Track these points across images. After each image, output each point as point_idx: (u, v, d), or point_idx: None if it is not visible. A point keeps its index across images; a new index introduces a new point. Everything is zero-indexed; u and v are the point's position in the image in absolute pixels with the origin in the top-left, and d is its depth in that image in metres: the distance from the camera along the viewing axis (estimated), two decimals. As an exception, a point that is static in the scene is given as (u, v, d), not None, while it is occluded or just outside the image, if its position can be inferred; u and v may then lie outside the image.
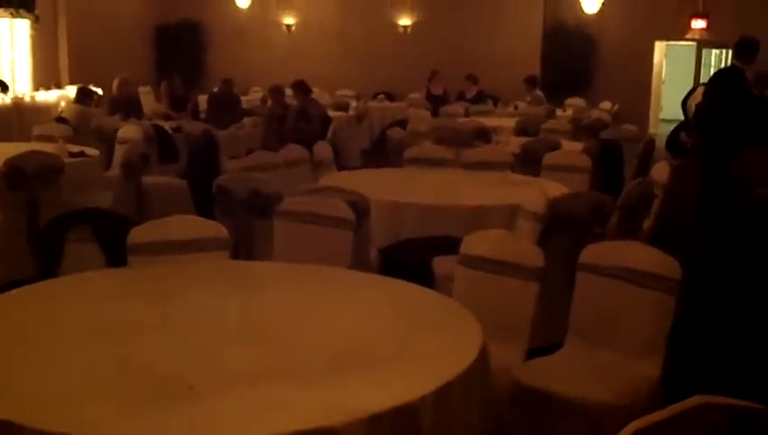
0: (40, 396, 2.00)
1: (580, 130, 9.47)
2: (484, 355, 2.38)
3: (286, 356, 2.31)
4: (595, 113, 11.11)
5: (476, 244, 3.32)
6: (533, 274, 3.11)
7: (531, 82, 12.95)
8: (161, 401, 1.97)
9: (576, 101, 13.09)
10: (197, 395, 2.02)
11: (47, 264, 3.30)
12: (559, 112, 11.77)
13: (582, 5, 14.91)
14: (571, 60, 14.81)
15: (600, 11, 14.86)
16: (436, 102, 12.32)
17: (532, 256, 3.15)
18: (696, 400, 1.63)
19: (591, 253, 3.18)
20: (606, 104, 12.61)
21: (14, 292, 2.77)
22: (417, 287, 2.96)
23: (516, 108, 12.42)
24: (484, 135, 8.54)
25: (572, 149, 7.13)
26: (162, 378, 2.13)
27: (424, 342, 2.42)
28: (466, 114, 11.36)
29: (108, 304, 2.75)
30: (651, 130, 15.05)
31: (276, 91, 9.56)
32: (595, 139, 8.29)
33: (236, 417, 1.91)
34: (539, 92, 12.80)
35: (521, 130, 9.29)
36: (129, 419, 1.89)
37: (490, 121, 9.93)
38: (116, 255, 3.23)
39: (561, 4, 15.26)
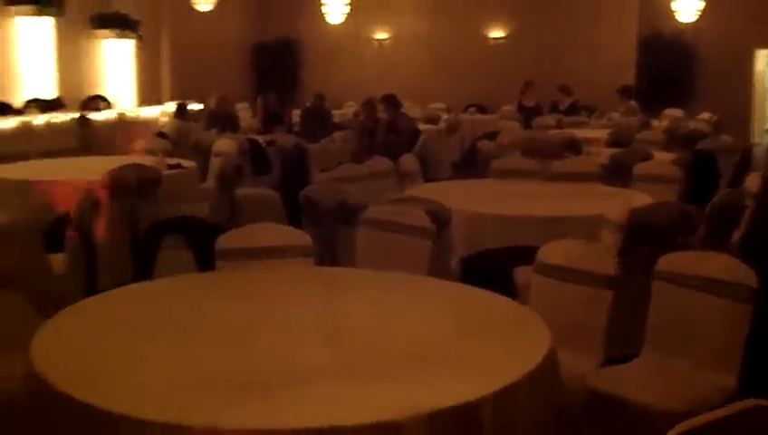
0: (147, 390, 2.16)
1: (674, 140, 9.28)
2: (551, 360, 2.43)
3: (359, 355, 2.43)
4: (692, 124, 10.87)
5: (552, 252, 3.37)
6: (607, 282, 3.14)
7: (625, 92, 12.76)
8: (250, 394, 2.12)
9: (673, 112, 12.82)
10: (278, 389, 2.15)
11: (143, 268, 3.51)
12: (655, 123, 11.56)
13: (678, 14, 14.60)
14: (667, 69, 14.52)
15: (697, 19, 14.53)
16: (528, 114, 12.29)
17: (606, 264, 3.18)
18: (749, 402, 1.65)
19: (668, 262, 3.18)
20: (705, 115, 12.31)
21: (112, 292, 2.98)
22: (491, 294, 3.02)
23: (610, 119, 12.27)
24: (574, 146, 8.47)
25: (664, 160, 7.03)
26: (250, 373, 2.28)
27: (491, 345, 2.49)
28: (559, 126, 11.28)
29: (196, 305, 2.92)
30: (756, 139, 14.61)
31: (369, 105, 9.75)
32: (689, 149, 8.12)
33: (311, 409, 2.04)
34: (633, 103, 12.59)
35: (613, 142, 9.18)
36: (225, 409, 2.03)
37: (583, 133, 9.86)
38: (206, 260, 3.41)
39: (657, 12, 14.98)
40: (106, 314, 2.81)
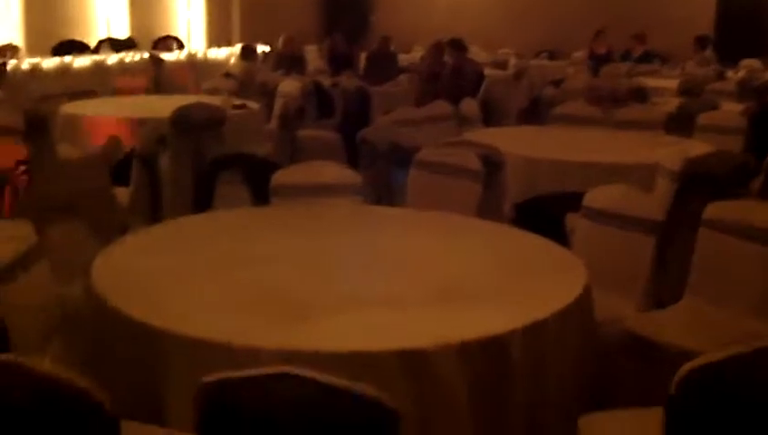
0: (195, 311, 2.30)
1: (746, 91, 9.06)
2: (584, 300, 2.49)
3: (396, 287, 2.54)
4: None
5: (599, 197, 3.40)
6: (651, 227, 3.16)
7: (701, 42, 12.41)
8: (290, 318, 2.26)
9: (752, 63, 12.43)
10: (317, 315, 2.28)
11: (202, 201, 3.66)
12: (730, 74, 11.25)
13: (763, -40, 14.03)
14: (748, 18, 14.03)
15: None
16: (598, 62, 12.05)
17: (652, 209, 3.19)
18: (759, 343, 1.69)
19: (715, 209, 3.18)
20: (787, 66, 11.91)
21: (170, 222, 3.13)
22: (535, 237, 3.07)
23: (684, 69, 11.97)
24: (640, 95, 8.34)
25: (731, 111, 6.88)
26: (292, 299, 2.41)
27: (525, 283, 2.56)
28: (629, 74, 11.07)
29: (249, 236, 3.06)
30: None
31: (436, 49, 9.71)
32: (759, 101, 7.91)
33: (346, 334, 2.16)
34: (708, 52, 12.25)
35: (684, 91, 8.98)
36: (266, 331, 2.17)
37: (653, 82, 9.66)
38: (261, 195, 3.54)
39: (740, -42, 14.43)
40: (163, 241, 2.97)
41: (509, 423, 2.19)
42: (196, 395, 1.59)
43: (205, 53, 11.82)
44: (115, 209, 3.74)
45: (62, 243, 3.03)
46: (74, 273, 2.92)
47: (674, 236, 3.36)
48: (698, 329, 2.97)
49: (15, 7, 9.65)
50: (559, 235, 4.10)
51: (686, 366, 1.69)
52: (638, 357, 2.95)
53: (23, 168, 3.97)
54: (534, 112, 10.12)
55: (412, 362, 2.06)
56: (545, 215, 4.59)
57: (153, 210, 4.71)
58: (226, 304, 2.39)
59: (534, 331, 2.22)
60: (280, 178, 3.52)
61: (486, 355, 2.14)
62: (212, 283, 2.55)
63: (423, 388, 2.06)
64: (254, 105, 6.80)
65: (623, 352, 2.96)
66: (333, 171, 3.62)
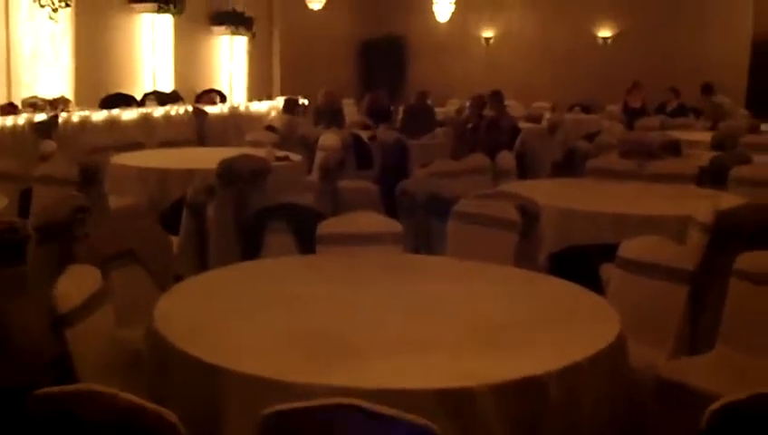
0: (252, 350, 2.48)
1: (781, 145, 9.12)
2: (618, 347, 2.61)
3: (438, 331, 2.68)
4: (803, 129, 10.61)
5: (633, 248, 3.53)
6: (684, 277, 3.28)
7: (706, 89, 12.52)
8: (339, 358, 2.41)
9: (787, 116, 12.51)
10: (366, 355, 2.44)
11: (250, 249, 3.85)
12: (763, 127, 11.32)
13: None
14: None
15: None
16: (632, 115, 12.20)
17: (685, 260, 3.31)
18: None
19: (746, 260, 3.29)
20: (819, 119, 11.97)
21: (225, 268, 3.32)
22: (571, 285, 3.21)
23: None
24: (673, 148, 8.46)
25: (763, 163, 6.97)
26: (340, 341, 2.56)
27: (560, 328, 2.70)
28: (662, 128, 11.19)
29: (298, 282, 3.23)
30: None
31: (476, 102, 9.93)
32: (793, 154, 7.99)
33: (392, 373, 2.31)
34: (719, 99, 12.34)
35: (717, 145, 9.09)
36: (318, 369, 2.32)
37: (687, 135, 9.77)
38: (307, 244, 3.72)
39: (772, 14, 14.60)
40: (218, 286, 3.15)
41: (545, 462, 2.31)
42: (258, 426, 1.74)
43: (247, 107, 12.19)
44: (170, 256, 3.93)
45: (121, 288, 3.22)
46: (133, 316, 3.11)
47: (706, 286, 3.47)
48: (730, 375, 3.06)
49: (65, 60, 10.06)
50: (593, 284, 4.23)
51: (718, 402, 1.80)
52: (669, 402, 3.05)
53: (81, 216, 4.18)
54: (569, 165, 10.28)
55: (454, 401, 2.19)
56: (580, 265, 4.71)
57: (201, 257, 4.91)
58: (280, 344, 2.55)
59: (570, 373, 2.34)
60: (326, 227, 3.70)
61: (524, 395, 2.27)
62: (266, 325, 2.72)
63: (464, 426, 2.19)
64: (296, 157, 7.03)
65: (655, 398, 3.06)
66: (376, 221, 3.79)
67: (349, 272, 3.39)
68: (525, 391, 2.27)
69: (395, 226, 3.79)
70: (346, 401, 1.68)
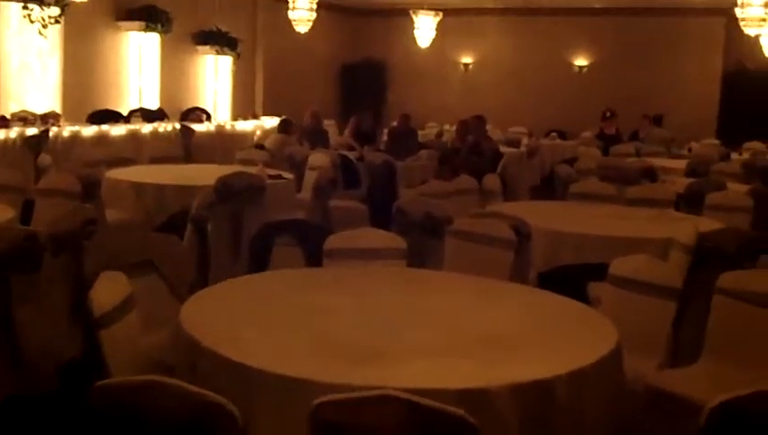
0: (277, 353, 2.64)
1: (751, 172, 9.47)
2: (617, 354, 2.82)
3: (450, 338, 2.88)
4: (771, 157, 11.00)
5: (623, 266, 3.75)
6: (671, 294, 3.50)
7: (655, 120, 13.06)
8: (360, 361, 2.59)
9: (754, 146, 12.92)
10: (385, 360, 2.62)
11: (259, 262, 4.02)
12: (735, 156, 11.71)
13: (764, 50, 14.65)
14: (751, 104, 14.60)
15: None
16: (608, 142, 12.53)
17: (673, 278, 3.54)
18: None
19: (728, 278, 3.53)
20: (787, 148, 12.42)
21: (240, 278, 3.48)
22: (566, 299, 3.42)
23: (690, 150, 12.45)
24: (650, 174, 8.76)
25: (737, 191, 7.27)
26: (358, 346, 2.74)
27: (563, 336, 2.91)
28: (638, 154, 11.52)
29: (310, 291, 3.41)
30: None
31: (462, 126, 10.18)
32: (763, 182, 8.32)
33: (414, 376, 2.48)
34: (658, 129, 12.83)
35: (690, 172, 9.41)
36: (342, 371, 2.48)
37: (661, 162, 10.10)
38: (314, 258, 3.90)
39: (742, 48, 15.06)
40: (239, 294, 3.32)
41: (553, 459, 2.50)
42: (310, 414, 1.91)
43: (232, 125, 12.35)
44: (187, 266, 4.09)
45: (140, 296, 3.37)
46: (155, 323, 3.27)
47: (691, 302, 3.70)
48: (716, 385, 3.27)
49: (53, 75, 10.16)
50: (581, 302, 4.45)
51: (717, 400, 2.00)
52: (659, 410, 3.26)
53: (91, 228, 4.33)
54: (547, 189, 10.54)
55: (472, 400, 2.37)
56: (568, 283, 4.94)
57: (201, 270, 5.06)
58: (303, 347, 2.73)
59: (576, 377, 2.55)
60: (333, 242, 3.88)
61: (535, 396, 2.47)
62: (287, 330, 2.90)
63: (481, 423, 2.38)
64: (288, 175, 7.21)
65: (646, 405, 3.27)
66: (381, 237, 3.98)
67: (358, 284, 3.57)
68: (536, 393, 2.47)
69: (399, 242, 3.98)
70: (391, 392, 1.85)
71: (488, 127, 11.60)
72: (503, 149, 10.72)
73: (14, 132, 8.24)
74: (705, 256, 4.51)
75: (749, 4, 10.08)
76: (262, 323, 2.94)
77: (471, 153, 9.43)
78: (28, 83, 9.86)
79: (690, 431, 3.23)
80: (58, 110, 9.97)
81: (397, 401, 1.84)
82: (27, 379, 3.90)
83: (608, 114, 13.26)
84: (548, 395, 2.49)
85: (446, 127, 14.27)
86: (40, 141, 8.30)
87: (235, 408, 1.89)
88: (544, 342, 2.87)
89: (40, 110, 9.51)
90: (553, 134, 14.87)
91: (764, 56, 14.64)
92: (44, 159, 7.21)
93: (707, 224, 5.34)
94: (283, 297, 3.31)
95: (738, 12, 10.24)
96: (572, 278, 4.95)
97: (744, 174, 9.30)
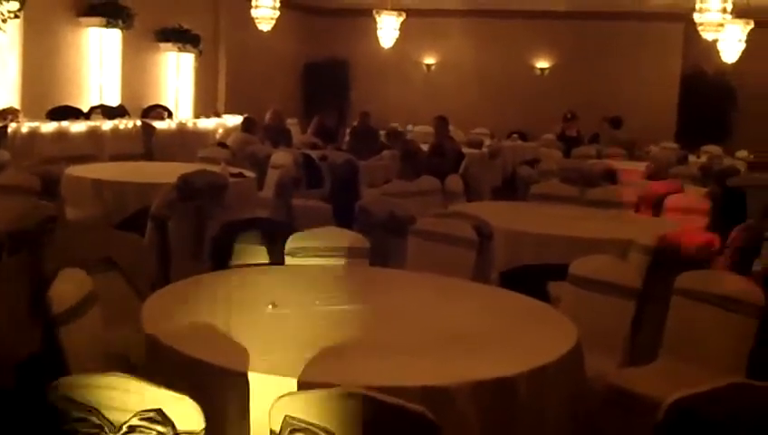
0: (239, 350, 2.62)
1: (708, 175, 9.64)
2: (577, 351, 2.85)
3: (413, 337, 2.90)
4: (728, 161, 11.21)
5: (584, 266, 3.80)
6: (631, 293, 3.56)
7: (614, 122, 13.18)
8: (321, 360, 2.57)
9: (712, 149, 13.15)
10: (346, 357, 2.62)
11: (220, 260, 4.00)
12: (692, 159, 11.90)
13: (722, 54, 14.90)
14: (709, 108, 14.85)
15: (740, 60, 14.82)
16: (569, 143, 12.68)
17: (632, 278, 3.60)
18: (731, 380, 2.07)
19: (685, 279, 3.59)
20: (742, 153, 12.65)
21: (203, 276, 3.46)
22: (527, 298, 3.46)
23: (649, 153, 12.63)
24: (610, 176, 8.88)
25: (695, 193, 7.40)
26: (322, 344, 2.72)
27: (525, 335, 2.95)
28: (598, 156, 11.67)
29: (273, 290, 3.39)
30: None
31: (440, 121, 10.21)
32: (720, 185, 8.47)
33: (376, 373, 2.49)
34: (617, 132, 12.99)
35: (650, 175, 9.55)
36: (299, 369, 2.47)
37: (621, 165, 10.24)
38: (276, 255, 3.89)
39: (701, 52, 15.30)
40: (200, 292, 3.30)
41: (514, 456, 2.52)
42: (272, 411, 1.91)
43: (194, 123, 12.25)
44: (148, 263, 4.05)
45: (103, 293, 3.33)
46: (116, 320, 3.23)
47: (649, 302, 3.75)
48: (673, 383, 3.31)
49: (12, 70, 10.00)
50: (542, 301, 4.49)
51: (673, 397, 2.04)
52: (619, 407, 3.31)
53: (51, 225, 4.27)
54: (508, 190, 10.62)
55: (433, 397, 2.39)
56: (529, 283, 4.98)
57: (163, 268, 5.02)
58: (264, 345, 2.71)
59: (538, 375, 2.58)
60: (295, 240, 3.87)
61: (496, 394, 2.49)
62: (248, 327, 2.88)
63: (442, 420, 2.39)
64: (249, 174, 7.17)
65: (606, 403, 3.32)
66: (344, 236, 3.99)
67: (321, 282, 3.57)
68: (498, 391, 2.49)
69: (362, 241, 3.99)
70: (352, 388, 1.86)
71: (450, 128, 11.65)
72: (465, 150, 10.78)
73: (-30, 128, 8.09)
74: (664, 257, 4.58)
75: (707, 10, 10.24)
76: (223, 321, 2.92)
77: (433, 154, 9.47)
78: (-14, 79, 9.70)
79: (648, 428, 3.30)
80: (17, 105, 9.80)
81: (357, 398, 1.84)
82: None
83: (569, 116, 13.42)
84: (509, 393, 2.51)
85: (409, 127, 14.30)
86: (-3, 137, 8.17)
87: (197, 404, 1.88)
88: (506, 340, 2.90)
89: (-2, 106, 9.35)
90: (515, 136, 14.99)
91: (722, 60, 14.90)
92: (3, 155, 7.08)
93: (667, 226, 5.43)
94: (244, 295, 3.29)
95: (696, 17, 10.40)
96: (533, 278, 4.99)
97: (701, 177, 9.47)
